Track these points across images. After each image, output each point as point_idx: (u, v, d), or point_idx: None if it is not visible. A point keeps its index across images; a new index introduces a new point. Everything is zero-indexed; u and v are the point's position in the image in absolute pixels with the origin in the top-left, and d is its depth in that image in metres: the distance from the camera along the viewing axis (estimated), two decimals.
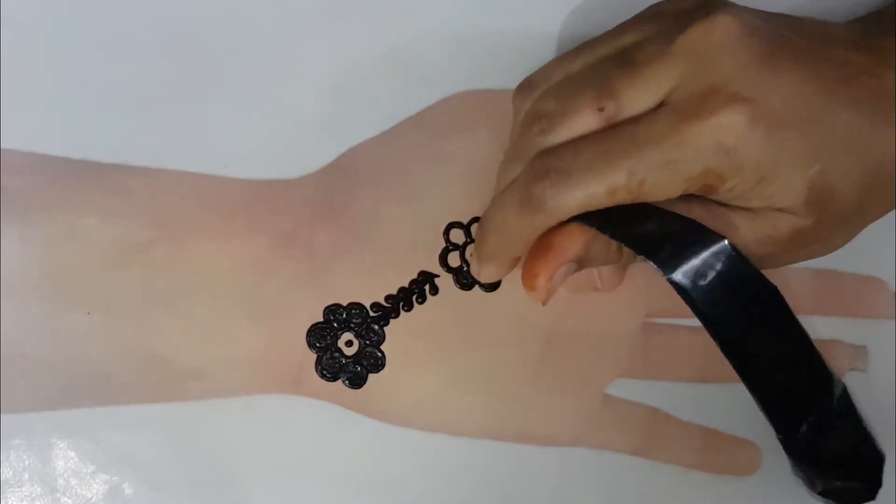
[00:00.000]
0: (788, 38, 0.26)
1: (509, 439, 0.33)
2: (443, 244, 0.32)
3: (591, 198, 0.25)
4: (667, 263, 0.25)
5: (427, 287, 0.32)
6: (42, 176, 0.31)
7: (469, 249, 0.32)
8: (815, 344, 0.34)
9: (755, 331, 0.26)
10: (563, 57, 0.28)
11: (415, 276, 0.32)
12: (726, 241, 0.25)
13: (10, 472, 0.30)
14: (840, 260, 0.34)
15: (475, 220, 0.32)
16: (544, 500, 0.33)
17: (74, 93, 0.31)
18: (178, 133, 0.31)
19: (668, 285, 0.33)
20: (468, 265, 0.32)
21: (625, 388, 0.33)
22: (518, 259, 0.29)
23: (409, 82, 0.32)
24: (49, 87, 0.31)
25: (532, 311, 0.33)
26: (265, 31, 0.32)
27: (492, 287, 0.32)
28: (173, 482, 0.31)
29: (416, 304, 0.32)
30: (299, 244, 0.32)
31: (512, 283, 0.32)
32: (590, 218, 0.26)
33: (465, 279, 0.32)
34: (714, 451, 0.34)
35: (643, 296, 0.33)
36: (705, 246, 0.25)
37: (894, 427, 0.35)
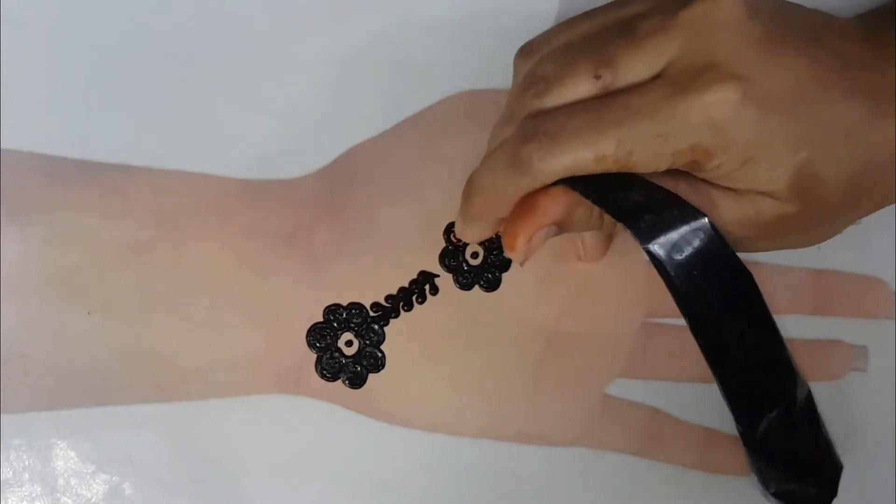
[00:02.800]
0: (790, 24, 0.26)
1: (509, 439, 0.33)
2: (443, 244, 0.32)
3: (578, 163, 0.25)
4: (645, 233, 0.25)
5: (427, 287, 0.32)
6: (42, 176, 0.31)
7: (469, 249, 0.32)
8: (815, 344, 0.34)
9: (725, 314, 0.26)
10: (566, 23, 0.28)
11: (415, 276, 0.32)
12: (706, 219, 0.25)
13: (10, 472, 0.30)
14: (840, 260, 0.34)
15: None
16: (544, 500, 0.33)
17: (74, 93, 0.31)
18: (178, 133, 0.31)
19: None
20: (468, 265, 0.32)
21: (625, 388, 0.33)
22: (503, 220, 0.28)
23: (410, 82, 0.32)
24: (49, 87, 0.31)
25: (532, 312, 0.33)
26: (265, 31, 0.32)
27: (492, 286, 0.32)
28: (173, 482, 0.31)
29: (416, 304, 0.32)
30: (299, 244, 0.32)
31: (512, 283, 0.32)
32: (575, 182, 0.26)
33: (465, 279, 0.32)
34: (714, 451, 0.34)
35: (643, 296, 0.33)
36: (685, 221, 0.25)
37: (894, 427, 0.35)
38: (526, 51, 0.29)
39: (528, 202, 0.27)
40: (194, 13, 0.31)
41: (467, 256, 0.32)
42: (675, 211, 0.25)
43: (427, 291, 0.32)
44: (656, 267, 0.25)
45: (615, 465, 0.33)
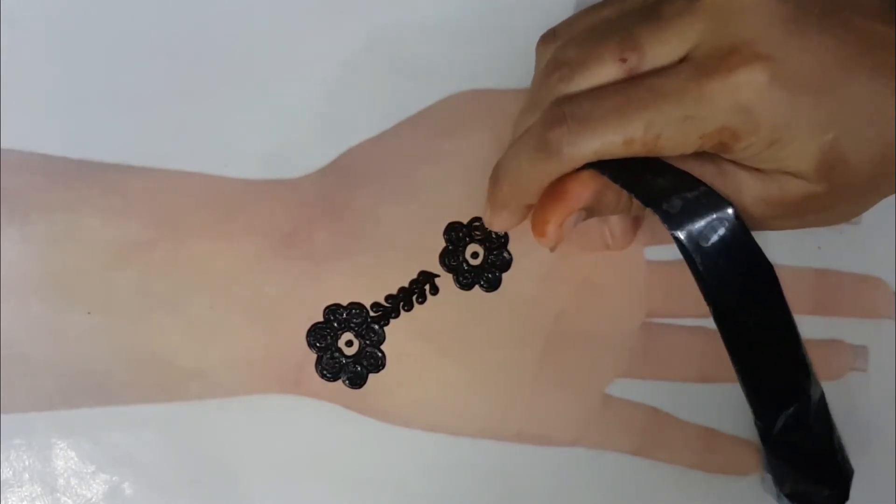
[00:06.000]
0: (814, 4, 0.26)
1: (509, 439, 0.33)
2: (443, 244, 0.32)
3: (607, 147, 0.25)
4: (673, 219, 0.25)
5: (427, 287, 0.32)
6: (42, 176, 0.31)
7: (469, 249, 0.32)
8: (815, 344, 0.34)
9: (747, 304, 0.26)
10: (589, 9, 0.28)
11: (415, 276, 0.32)
12: (731, 209, 0.25)
13: (10, 472, 0.30)
14: (840, 260, 0.34)
15: (475, 219, 0.32)
16: (544, 500, 0.33)
17: (74, 93, 0.31)
18: (178, 133, 0.31)
19: (668, 285, 0.33)
20: (468, 265, 0.32)
21: (625, 388, 0.33)
22: (530, 207, 0.28)
23: (410, 82, 0.32)
24: (49, 87, 0.31)
25: (532, 312, 0.33)
26: (265, 32, 0.32)
27: (492, 286, 0.32)
28: (173, 482, 0.31)
29: (416, 304, 0.32)
30: (299, 244, 0.32)
31: (512, 283, 0.32)
32: (603, 166, 0.26)
33: (465, 279, 0.32)
34: (714, 451, 0.34)
35: (643, 296, 0.33)
36: (712, 208, 0.25)
37: (894, 427, 0.35)
38: (548, 37, 0.29)
39: (557, 187, 0.27)
40: (194, 13, 0.31)
41: (467, 256, 0.32)
42: (702, 198, 0.25)
43: (427, 291, 0.32)
44: (683, 253, 0.25)
45: (615, 465, 0.33)
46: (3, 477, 0.30)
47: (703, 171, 0.26)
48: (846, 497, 0.30)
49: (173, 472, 0.31)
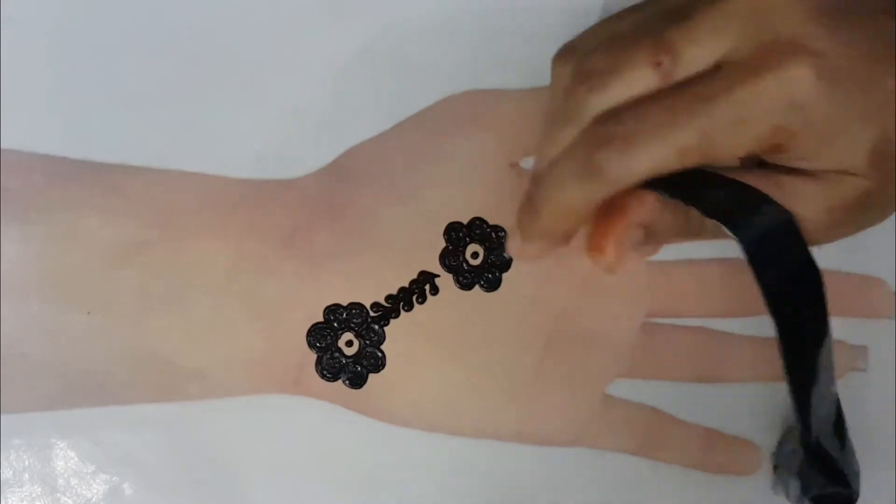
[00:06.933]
0: None
1: (509, 439, 0.33)
2: (443, 244, 0.32)
3: (661, 161, 0.24)
4: (740, 230, 0.24)
5: (427, 287, 0.32)
6: (42, 176, 0.31)
7: (469, 249, 0.32)
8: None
9: (803, 313, 0.25)
10: (608, 20, 0.27)
11: (415, 276, 0.32)
12: (792, 216, 0.24)
13: (10, 472, 0.30)
14: (840, 260, 0.34)
15: (475, 219, 0.32)
16: (544, 500, 0.33)
17: (74, 93, 0.31)
18: (178, 133, 0.31)
19: (668, 285, 0.33)
20: (468, 265, 0.32)
21: (625, 388, 0.33)
22: (570, 236, 0.27)
23: (410, 82, 0.32)
24: (49, 87, 0.31)
25: (532, 312, 0.33)
26: (265, 31, 0.32)
27: (492, 286, 0.32)
28: (173, 482, 0.31)
29: (416, 304, 0.32)
30: (299, 244, 0.32)
31: (512, 283, 0.32)
32: (657, 185, 0.25)
33: (465, 279, 0.32)
34: (714, 451, 0.34)
35: (643, 296, 0.33)
36: (774, 217, 0.24)
37: (894, 427, 0.35)
38: (567, 51, 0.27)
39: (614, 203, 0.26)
40: (194, 13, 0.31)
41: (467, 256, 0.32)
42: (764, 207, 0.24)
43: (427, 291, 0.32)
44: (752, 265, 0.24)
45: (615, 465, 0.33)
46: (3, 477, 0.30)
47: (759, 185, 0.25)
48: (858, 494, 0.30)
49: (173, 472, 0.31)
